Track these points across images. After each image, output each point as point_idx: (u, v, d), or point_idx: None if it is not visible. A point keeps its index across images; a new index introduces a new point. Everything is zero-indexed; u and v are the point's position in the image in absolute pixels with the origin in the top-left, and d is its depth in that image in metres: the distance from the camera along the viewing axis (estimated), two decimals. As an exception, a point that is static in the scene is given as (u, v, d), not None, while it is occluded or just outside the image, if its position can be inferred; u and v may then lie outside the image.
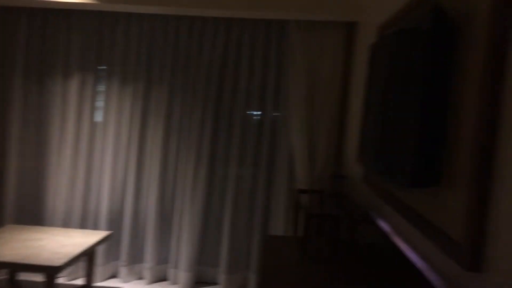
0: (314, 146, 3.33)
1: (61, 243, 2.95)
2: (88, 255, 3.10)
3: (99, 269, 3.47)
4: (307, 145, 3.30)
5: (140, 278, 3.58)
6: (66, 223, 3.54)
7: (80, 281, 3.48)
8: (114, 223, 3.55)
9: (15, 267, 2.61)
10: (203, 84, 3.45)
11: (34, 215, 3.58)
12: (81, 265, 3.50)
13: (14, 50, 3.49)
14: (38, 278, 3.46)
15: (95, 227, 3.55)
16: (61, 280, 3.49)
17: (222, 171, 3.55)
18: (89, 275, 3.22)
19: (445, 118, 1.32)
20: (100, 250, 3.50)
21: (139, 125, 3.52)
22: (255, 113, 3.51)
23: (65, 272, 3.50)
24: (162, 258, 3.57)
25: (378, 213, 2.08)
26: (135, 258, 3.56)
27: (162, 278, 3.59)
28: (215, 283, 3.55)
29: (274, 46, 3.41)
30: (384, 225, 1.89)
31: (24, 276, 3.45)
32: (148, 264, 3.52)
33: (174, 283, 3.53)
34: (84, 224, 3.56)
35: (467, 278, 1.12)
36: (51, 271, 2.58)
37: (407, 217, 1.55)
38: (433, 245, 1.34)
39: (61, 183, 3.52)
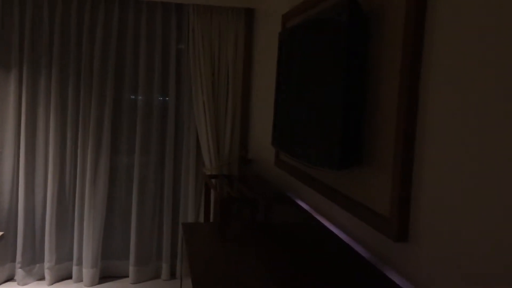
0: (220, 131, 3.37)
1: None
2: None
3: (-9, 273, 3.14)
4: (213, 130, 3.31)
5: (41, 279, 3.32)
6: None
7: (-33, 289, 3.13)
8: (6, 223, 3.22)
9: None
10: (98, 70, 3.25)
11: None
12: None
13: None
14: None
15: (-18, 228, 3.19)
16: None
17: (126, 159, 3.42)
18: (-19, 282, 2.90)
19: (365, 104, 1.43)
20: (-9, 253, 3.16)
21: (27, 115, 3.20)
22: (155, 98, 3.41)
23: None
24: (64, 256, 3.34)
25: (294, 194, 2.18)
26: (34, 258, 3.29)
27: (65, 277, 3.36)
28: (125, 276, 3.43)
29: (173, 30, 3.34)
30: (302, 204, 2.00)
31: None
32: (48, 264, 3.27)
33: (78, 280, 3.33)
34: (-32, 225, 3.17)
35: (395, 248, 1.24)
36: None
37: (328, 196, 1.65)
38: (357, 220, 1.46)
39: None
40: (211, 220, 3.26)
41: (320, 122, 1.57)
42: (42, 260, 3.31)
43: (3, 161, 3.19)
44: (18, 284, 3.23)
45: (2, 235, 2.96)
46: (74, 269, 3.33)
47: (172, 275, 3.47)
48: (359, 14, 1.44)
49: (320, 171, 1.76)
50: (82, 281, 3.33)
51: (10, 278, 3.29)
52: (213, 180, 3.33)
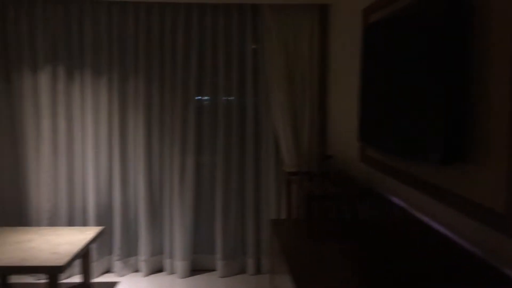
0: (298, 128, 3.39)
1: (54, 242, 2.88)
2: (84, 252, 3.04)
3: (93, 264, 3.40)
4: (291, 128, 3.35)
5: (136, 270, 3.55)
6: (53, 222, 3.43)
7: (75, 279, 3.41)
8: (104, 218, 3.48)
9: (12, 271, 2.53)
10: (181, 72, 3.41)
11: (17, 215, 3.45)
12: (75, 263, 3.42)
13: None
14: (30, 279, 3.36)
15: (84, 223, 3.47)
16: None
17: (209, 158, 3.56)
18: (86, 272, 3.17)
19: (469, 97, 1.39)
20: (92, 245, 3.43)
21: (118, 116, 3.44)
22: (234, 99, 3.51)
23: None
24: (157, 249, 3.55)
25: (383, 190, 2.16)
26: (129, 251, 3.52)
27: (158, 269, 3.57)
28: (213, 270, 3.58)
29: (249, 31, 3.41)
30: (397, 201, 1.97)
31: (15, 278, 3.33)
32: (142, 257, 3.49)
33: (171, 273, 3.53)
34: (71, 221, 3.47)
35: (509, 244, 1.20)
36: (54, 271, 2.53)
37: (427, 192, 1.62)
38: (464, 218, 1.42)
39: (43, 181, 3.40)
40: (294, 216, 3.30)
41: (419, 117, 1.54)
42: (137, 253, 3.54)
43: (99, 160, 3.44)
44: (116, 275, 3.49)
45: (104, 229, 3.22)
46: (167, 262, 3.53)
47: (258, 270, 3.56)
48: (460, 1, 1.40)
49: (418, 167, 1.72)
50: (174, 273, 3.52)
51: (109, 270, 3.55)
52: (294, 177, 3.36)
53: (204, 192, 3.57)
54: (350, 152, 2.80)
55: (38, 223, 3.42)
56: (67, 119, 3.41)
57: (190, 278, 3.48)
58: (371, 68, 2.20)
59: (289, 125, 3.34)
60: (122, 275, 3.49)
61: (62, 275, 3.37)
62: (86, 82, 3.39)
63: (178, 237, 3.47)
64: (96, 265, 3.44)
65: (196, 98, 3.48)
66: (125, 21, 3.37)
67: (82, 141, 3.45)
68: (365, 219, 2.37)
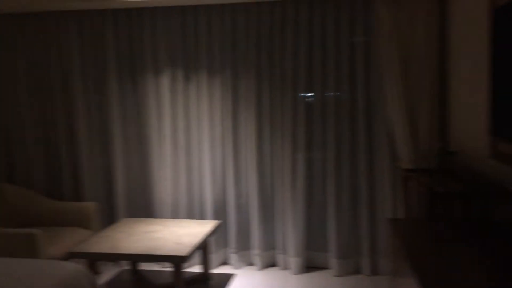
0: (415, 122, 3.19)
1: (177, 234, 3.08)
2: (203, 244, 3.20)
3: (211, 256, 3.58)
4: (408, 121, 3.16)
5: (251, 264, 3.66)
6: (175, 214, 3.68)
7: (195, 269, 3.62)
8: (219, 212, 3.64)
9: (140, 259, 2.75)
10: (291, 69, 3.41)
11: (144, 208, 3.75)
12: (195, 253, 3.62)
13: (105, 52, 3.63)
14: (156, 267, 3.64)
15: (201, 216, 3.66)
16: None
17: (319, 155, 3.52)
18: (206, 263, 3.34)
19: None
20: (210, 238, 3.61)
21: (231, 114, 3.56)
22: (344, 93, 3.41)
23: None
24: (269, 244, 3.62)
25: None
26: (243, 245, 3.64)
27: (271, 264, 3.64)
28: (326, 268, 3.55)
29: (360, 23, 3.30)
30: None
31: (144, 266, 3.64)
32: (256, 251, 3.58)
33: (285, 268, 3.57)
34: (191, 214, 3.68)
35: None
36: (178, 261, 2.70)
37: None
38: None
39: (165, 177, 3.66)
40: (414, 215, 3.12)
41: None
42: (250, 247, 3.64)
43: (214, 156, 3.60)
44: (233, 268, 3.62)
45: (220, 223, 3.36)
46: (280, 257, 3.58)
47: (374, 271, 3.44)
48: None
49: None
50: (287, 269, 3.56)
51: (225, 262, 3.70)
52: (411, 174, 3.18)
53: (315, 189, 3.54)
54: (476, 147, 2.56)
55: (162, 215, 3.69)
56: (185, 118, 3.63)
57: (304, 274, 3.48)
58: (505, 54, 1.98)
59: (406, 119, 3.16)
60: (238, 268, 3.62)
61: (185, 264, 3.60)
62: (201, 82, 3.57)
63: (290, 233, 3.50)
64: (214, 257, 3.61)
65: (306, 94, 3.47)
66: (235, 23, 3.47)
67: (199, 138, 3.64)
68: (498, 220, 2.15)
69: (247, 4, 3.41)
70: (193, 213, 3.68)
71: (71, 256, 2.83)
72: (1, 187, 3.50)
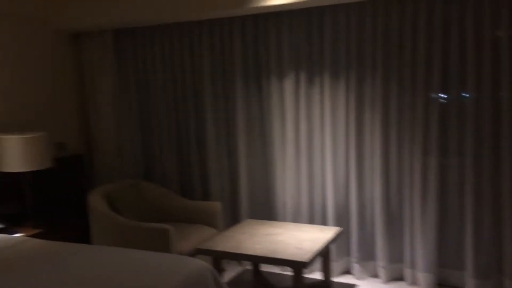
0: None
1: (298, 238, 3.04)
2: (324, 251, 3.11)
3: (333, 264, 3.47)
4: None
5: (375, 275, 3.46)
6: (296, 218, 3.65)
7: (315, 275, 3.55)
8: (341, 219, 3.51)
9: (262, 260, 2.77)
10: (422, 69, 3.13)
11: (266, 210, 3.80)
12: (316, 260, 3.56)
13: (233, 57, 3.75)
14: (277, 270, 3.65)
15: (322, 221, 3.58)
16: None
17: (456, 160, 3.18)
18: (327, 270, 3.25)
19: None
20: (331, 245, 3.50)
21: (354, 117, 3.41)
22: (485, 95, 3.02)
23: (299, 266, 3.62)
24: (396, 257, 3.38)
25: None
26: (367, 254, 3.46)
27: (397, 278, 3.39)
28: (462, 287, 3.20)
29: (506, 14, 2.88)
30: None
31: (264, 268, 3.68)
32: (381, 262, 3.37)
33: (413, 283, 3.30)
34: (312, 219, 3.62)
35: None
36: (299, 266, 2.66)
37: None
38: None
39: (287, 180, 3.65)
40: None
41: None
42: (375, 258, 3.44)
43: (337, 160, 3.49)
44: (355, 278, 3.47)
45: (341, 230, 3.24)
46: (408, 271, 3.32)
47: (518, 293, 3.00)
48: None
49: None
50: (416, 285, 3.28)
51: (347, 271, 3.56)
52: None
53: (450, 198, 3.21)
54: None
55: (283, 218, 3.69)
56: (307, 121, 3.58)
57: (434, 292, 3.19)
58: None
59: None
60: (361, 278, 3.44)
61: (305, 270, 3.56)
62: (324, 85, 3.49)
63: (419, 247, 3.22)
64: (335, 264, 3.49)
65: (439, 95, 3.16)
66: (362, 22, 3.32)
67: (321, 142, 3.56)
68: None
69: (374, 2, 3.24)
70: (314, 218, 3.61)
71: (197, 252, 2.97)
72: (141, 185, 3.85)
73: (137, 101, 4.17)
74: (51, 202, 3.89)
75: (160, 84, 4.04)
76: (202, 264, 2.32)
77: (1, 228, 3.20)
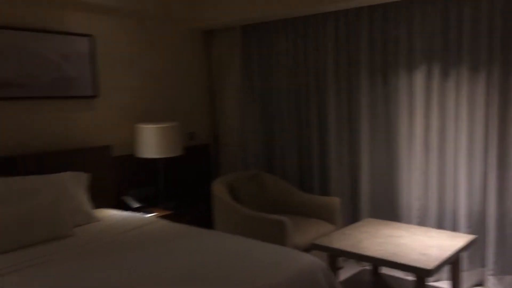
0: None
1: (424, 243, 2.81)
2: (453, 259, 2.83)
3: (463, 274, 3.15)
4: None
5: (514, 292, 3.07)
6: (422, 221, 3.39)
7: (442, 284, 3.26)
8: (475, 226, 3.16)
9: (381, 263, 2.61)
10: None
11: (388, 210, 3.59)
12: (443, 268, 3.27)
13: (358, 49, 3.59)
14: (399, 274, 3.44)
15: (453, 228, 3.26)
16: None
17: None
18: (456, 281, 2.96)
19: None
20: (463, 253, 3.18)
21: (497, 116, 3.02)
22: None
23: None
24: (542, 274, 2.94)
25: None
26: (505, 268, 3.06)
27: (543, 298, 2.96)
28: None
29: None
30: None
31: (385, 270, 3.50)
32: (522, 278, 2.97)
33: None
34: (441, 224, 3.32)
35: None
36: (422, 273, 2.45)
37: None
38: None
39: (414, 180, 3.40)
40: None
41: None
42: (514, 273, 3.04)
43: (473, 162, 3.14)
44: (489, 292, 3.11)
45: (475, 239, 2.91)
46: (557, 292, 2.88)
47: None
48: None
49: None
50: None
51: (480, 284, 3.20)
52: None
53: None
54: None
55: (407, 220, 3.45)
56: (439, 118, 3.28)
57: None
58: None
59: None
60: (496, 293, 3.08)
61: (430, 278, 3.29)
62: (461, 78, 3.16)
63: None
64: (466, 275, 3.17)
65: None
66: (509, 5, 2.92)
67: (455, 141, 3.24)
68: None
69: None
70: (443, 223, 3.31)
71: (313, 247, 2.92)
72: (262, 177, 3.93)
73: (260, 95, 4.25)
74: (180, 187, 4.19)
75: (283, 78, 4.06)
76: (315, 260, 2.27)
77: (138, 207, 3.53)
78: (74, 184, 3.03)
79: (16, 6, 3.07)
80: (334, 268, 2.94)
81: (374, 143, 3.64)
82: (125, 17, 3.75)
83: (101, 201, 3.36)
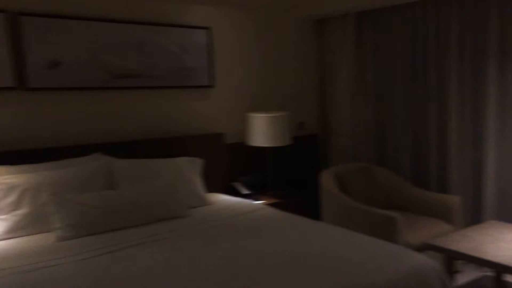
0: None
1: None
2: None
3: None
4: None
5: None
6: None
7: None
8: None
9: (505, 270, 2.35)
10: None
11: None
12: None
13: (487, 32, 3.24)
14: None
15: None
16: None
17: None
18: None
19: None
20: None
21: None
22: None
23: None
24: None
25: None
26: None
27: None
28: None
29: None
30: None
31: (510, 278, 3.15)
32: None
33: None
34: None
35: None
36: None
37: None
38: None
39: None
40: None
41: None
42: None
43: None
44: None
45: None
46: None
47: None
48: None
49: None
50: None
51: None
52: None
53: None
54: None
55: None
56: None
57: None
58: None
59: None
60: None
61: None
62: None
63: None
64: None
65: None
66: None
67: None
68: None
69: None
70: None
71: (427, 247, 2.73)
72: (372, 169, 3.78)
73: (373, 86, 4.08)
74: (288, 176, 4.22)
75: (398, 67, 3.85)
76: (428, 262, 2.11)
77: (247, 194, 3.64)
78: (190, 169, 3.22)
79: (142, 2, 3.34)
80: (451, 271, 2.72)
81: (503, 138, 3.28)
82: (239, 7, 3.85)
83: (213, 185, 3.53)
